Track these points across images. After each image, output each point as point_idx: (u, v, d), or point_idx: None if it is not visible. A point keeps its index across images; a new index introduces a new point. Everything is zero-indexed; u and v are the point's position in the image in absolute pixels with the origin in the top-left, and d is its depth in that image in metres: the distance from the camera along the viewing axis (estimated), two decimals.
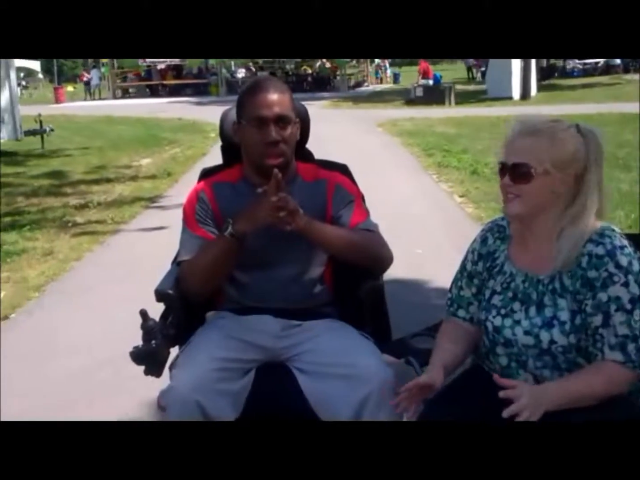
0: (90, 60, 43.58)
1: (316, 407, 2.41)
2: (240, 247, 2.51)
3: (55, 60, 48.09)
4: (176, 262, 2.74)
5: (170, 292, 2.63)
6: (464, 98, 27.06)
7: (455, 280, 2.41)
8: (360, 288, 2.68)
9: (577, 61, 38.49)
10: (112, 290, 5.91)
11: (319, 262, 2.73)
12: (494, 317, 2.21)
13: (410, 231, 7.23)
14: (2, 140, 15.64)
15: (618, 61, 36.75)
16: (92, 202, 9.68)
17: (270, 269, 2.65)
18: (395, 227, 6.04)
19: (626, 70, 36.01)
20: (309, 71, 41.13)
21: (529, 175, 2.08)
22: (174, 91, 39.31)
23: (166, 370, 2.57)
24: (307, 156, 2.88)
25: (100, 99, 41.28)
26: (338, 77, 40.29)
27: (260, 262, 2.64)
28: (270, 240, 2.57)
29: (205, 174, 2.90)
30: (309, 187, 2.70)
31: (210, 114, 18.02)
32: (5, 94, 16.16)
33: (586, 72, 37.84)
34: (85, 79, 43.90)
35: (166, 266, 2.86)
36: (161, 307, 2.68)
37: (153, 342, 2.48)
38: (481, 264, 2.32)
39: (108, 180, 11.66)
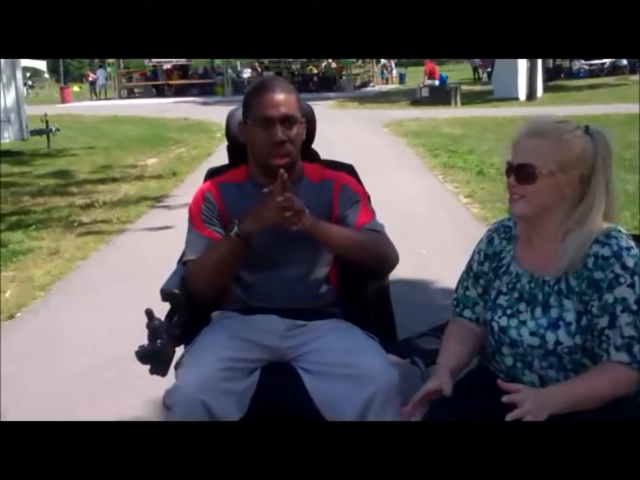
0: (96, 60, 43.65)
1: (321, 407, 2.41)
2: (246, 247, 2.51)
3: (61, 60, 48.09)
4: (182, 262, 2.74)
5: (176, 291, 2.63)
6: (470, 98, 27.02)
7: (461, 281, 2.41)
8: (365, 288, 2.68)
9: (583, 62, 38.41)
10: (117, 289, 5.92)
11: (325, 262, 2.73)
12: (499, 317, 2.20)
13: (416, 231, 7.23)
14: (8, 140, 15.65)
15: (624, 62, 36.66)
16: (98, 201, 9.69)
17: (276, 269, 2.65)
18: (401, 227, 6.04)
19: (632, 71, 35.86)
20: (315, 71, 41.15)
21: (533, 176, 2.07)
22: (180, 91, 39.36)
23: (171, 370, 2.57)
24: (313, 156, 2.88)
25: (106, 98, 41.34)
26: (344, 77, 40.31)
27: (266, 262, 2.64)
28: (276, 241, 2.57)
29: (211, 173, 2.90)
30: (315, 187, 2.70)
31: (216, 113, 18.10)
32: (12, 93, 16.18)
33: (592, 73, 37.74)
34: (90, 78, 43.94)
35: (172, 266, 2.86)
36: (167, 306, 2.69)
37: (159, 341, 2.48)
38: (487, 264, 2.32)
39: (114, 180, 11.67)
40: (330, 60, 38.23)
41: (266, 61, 39.93)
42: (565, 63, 39.86)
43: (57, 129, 16.84)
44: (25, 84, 29.44)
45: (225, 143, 2.98)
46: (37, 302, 5.73)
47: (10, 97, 16.05)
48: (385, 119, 20.57)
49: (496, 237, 2.33)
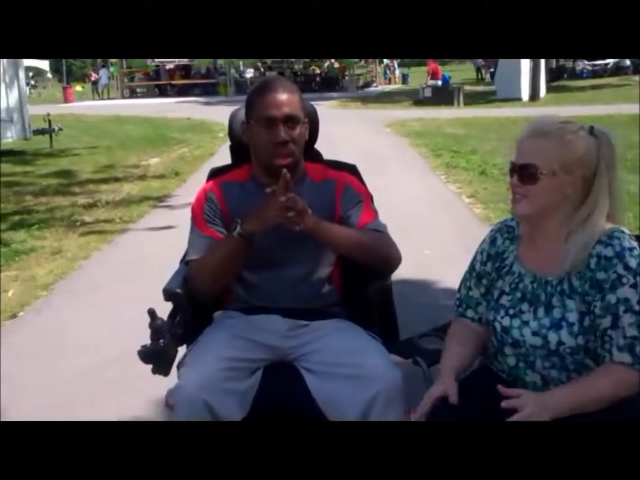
0: (99, 60, 43.65)
1: (323, 407, 2.41)
2: (249, 247, 2.51)
3: (64, 60, 48.11)
4: (184, 262, 2.74)
5: (179, 291, 2.63)
6: (473, 99, 27.00)
7: (464, 281, 2.41)
8: (368, 288, 2.68)
9: (586, 62, 38.35)
10: (120, 289, 5.92)
11: (328, 262, 2.73)
12: (502, 317, 2.20)
13: (418, 232, 7.22)
14: (11, 140, 15.64)
15: (628, 62, 36.58)
16: (101, 201, 9.69)
17: (279, 269, 2.65)
18: (403, 227, 6.03)
19: (636, 72, 35.74)
20: (318, 71, 41.11)
21: (535, 177, 2.07)
22: (183, 91, 39.34)
23: (174, 369, 2.58)
24: (315, 156, 2.88)
25: (108, 98, 41.35)
26: (346, 77, 40.30)
27: (268, 262, 2.64)
28: (279, 240, 2.57)
29: (214, 173, 2.90)
30: (318, 187, 2.70)
31: (219, 113, 18.07)
32: (14, 93, 16.15)
33: (595, 74, 37.69)
34: (93, 78, 43.95)
35: (174, 265, 2.86)
36: (169, 306, 2.69)
37: (161, 341, 2.48)
38: (490, 264, 2.32)
39: (116, 180, 11.67)
40: (333, 60, 38.21)
41: (269, 61, 39.91)
42: (569, 63, 39.80)
43: (60, 129, 16.84)
44: (27, 84, 29.47)
45: (228, 143, 2.98)
46: (40, 302, 5.73)
47: (12, 97, 16.01)
48: (387, 119, 20.56)
49: (499, 237, 2.33)
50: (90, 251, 7.20)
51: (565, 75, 37.94)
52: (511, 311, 2.19)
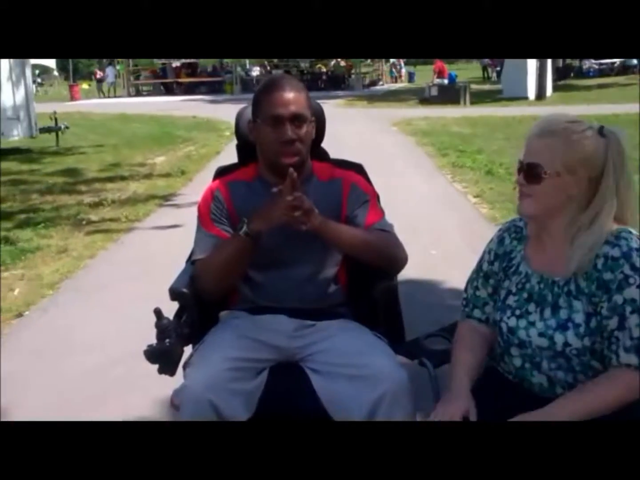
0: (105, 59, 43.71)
1: (329, 407, 2.41)
2: (255, 246, 2.51)
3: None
4: (191, 261, 2.74)
5: (185, 290, 2.63)
6: (479, 98, 26.99)
7: (471, 280, 2.40)
8: (374, 288, 2.67)
9: (593, 61, 38.35)
10: (126, 288, 5.92)
11: (334, 262, 2.72)
12: (508, 317, 2.20)
13: (424, 231, 7.22)
14: (17, 138, 15.68)
15: (635, 61, 36.52)
16: (107, 200, 9.71)
17: (285, 269, 2.64)
18: (409, 227, 6.04)
19: None
20: (324, 69, 41.13)
21: (540, 176, 2.06)
22: (189, 89, 39.43)
23: (180, 369, 2.57)
24: (322, 155, 2.87)
25: (115, 96, 41.41)
26: (353, 76, 40.35)
27: (274, 262, 2.63)
28: (285, 240, 2.56)
29: (221, 172, 2.90)
30: (324, 187, 2.69)
31: (225, 112, 18.11)
32: (21, 91, 16.17)
33: (602, 73, 37.69)
34: (98, 76, 43.99)
35: (180, 264, 2.86)
36: (175, 305, 2.69)
37: (167, 340, 2.48)
38: (497, 264, 2.31)
39: (122, 178, 11.71)
40: (339, 58, 38.22)
41: (275, 59, 39.93)
42: (575, 62, 39.81)
43: (66, 127, 16.90)
44: (34, 82, 29.47)
45: (234, 141, 2.97)
46: (46, 301, 5.74)
47: (19, 95, 16.03)
48: (394, 118, 20.56)
49: (507, 237, 2.32)
50: (96, 250, 7.21)
51: (572, 74, 37.97)
52: (517, 312, 2.19)
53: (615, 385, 2.01)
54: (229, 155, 3.09)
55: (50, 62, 43.50)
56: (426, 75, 37.69)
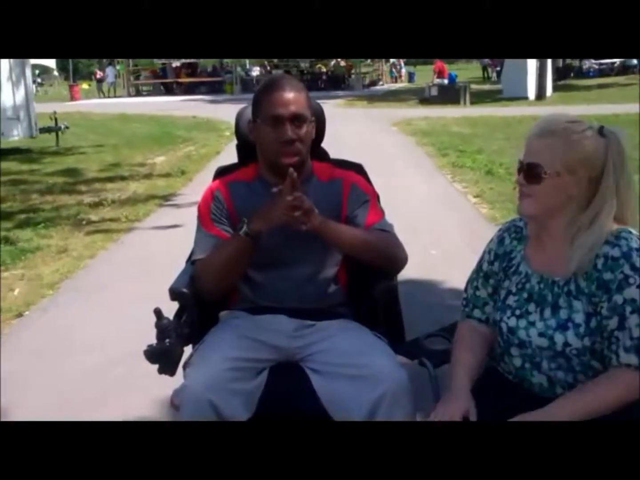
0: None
1: (329, 407, 2.41)
2: (255, 246, 2.51)
3: None
4: (191, 261, 2.74)
5: (185, 290, 2.63)
6: (479, 98, 26.99)
7: (471, 280, 2.40)
8: (374, 288, 2.67)
9: (593, 61, 38.35)
10: (126, 288, 5.92)
11: (334, 262, 2.72)
12: (508, 317, 2.20)
13: (424, 231, 7.22)
14: (17, 138, 15.69)
15: (635, 61, 36.51)
16: (107, 200, 9.71)
17: (285, 269, 2.64)
18: (409, 227, 6.03)
19: None
20: (324, 69, 41.13)
21: (540, 176, 2.06)
22: (189, 89, 39.43)
23: (180, 369, 2.57)
24: (322, 155, 2.87)
25: (115, 96, 41.41)
26: (353, 76, 40.35)
27: (274, 262, 2.63)
28: (285, 240, 2.56)
29: (221, 172, 2.90)
30: (324, 187, 2.69)
31: (225, 112, 18.12)
32: (21, 91, 16.17)
33: (602, 73, 37.69)
34: (98, 76, 43.98)
35: (180, 264, 2.86)
36: (175, 305, 2.68)
37: (167, 340, 2.48)
38: (497, 264, 2.31)
39: (122, 178, 11.71)
40: (339, 58, 38.22)
41: (275, 59, 39.93)
42: (575, 62, 39.81)
43: (66, 127, 16.90)
44: (34, 82, 29.48)
45: (234, 141, 2.97)
46: (46, 301, 5.74)
47: (19, 95, 16.04)
48: (394, 118, 20.56)
49: (507, 237, 2.32)
50: (96, 250, 7.21)
51: (572, 74, 37.97)
52: (517, 312, 2.19)
53: (615, 385, 2.01)
54: (229, 155, 3.09)
55: (50, 62, 43.49)
56: (426, 75, 37.68)
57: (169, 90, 40.75)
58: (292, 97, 2.55)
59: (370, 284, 2.68)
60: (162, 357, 2.51)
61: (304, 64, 41.70)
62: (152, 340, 2.50)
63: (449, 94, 25.79)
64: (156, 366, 2.53)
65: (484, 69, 44.64)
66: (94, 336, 4.89)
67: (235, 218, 2.61)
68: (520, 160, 2.13)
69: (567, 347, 2.06)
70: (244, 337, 2.55)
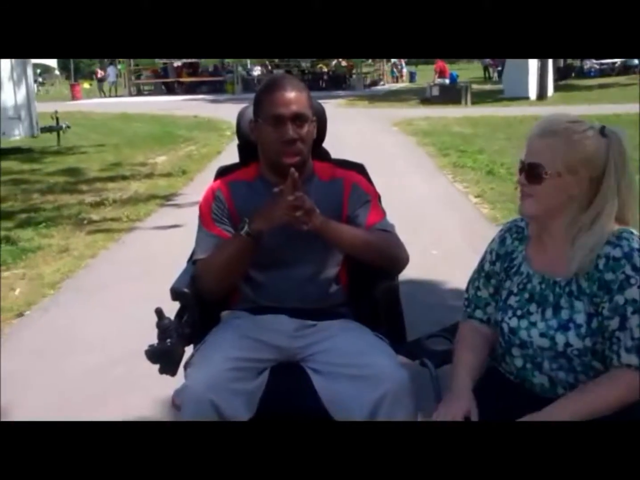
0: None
1: (330, 407, 2.41)
2: (256, 246, 2.51)
3: None
4: (192, 261, 2.74)
5: (186, 290, 2.63)
6: (481, 98, 26.99)
7: (472, 281, 2.40)
8: (375, 288, 2.67)
9: (594, 61, 38.33)
10: (127, 288, 5.92)
11: (335, 262, 2.72)
12: (509, 318, 2.19)
13: (425, 231, 7.22)
14: (18, 137, 15.70)
15: (636, 61, 36.48)
16: (108, 199, 9.71)
17: (286, 269, 2.64)
18: (410, 227, 6.03)
19: None
20: (325, 69, 41.15)
21: (541, 176, 2.06)
22: (190, 89, 39.44)
23: (181, 369, 2.57)
24: (323, 155, 2.87)
25: (116, 96, 41.41)
26: (354, 76, 40.35)
27: (276, 262, 2.63)
28: (286, 240, 2.56)
29: (222, 172, 2.90)
30: (325, 187, 2.69)
31: (226, 111, 18.11)
32: (22, 90, 16.18)
33: (603, 73, 37.67)
34: (99, 76, 43.99)
35: (182, 264, 2.86)
36: (176, 305, 2.68)
37: (168, 340, 2.48)
38: (499, 264, 2.31)
39: (123, 178, 11.71)
40: (340, 58, 38.22)
41: (276, 59, 39.93)
42: (576, 62, 39.79)
43: (68, 126, 16.90)
44: (35, 81, 29.50)
45: (235, 141, 2.97)
46: (47, 300, 5.74)
47: (20, 94, 16.04)
48: (395, 118, 20.56)
49: (508, 237, 2.32)
50: (97, 250, 7.21)
51: (573, 74, 37.95)
52: (519, 312, 2.18)
53: (616, 386, 2.00)
54: (230, 155, 3.09)
55: (52, 62, 43.53)
56: (427, 75, 37.72)
57: (170, 89, 40.75)
58: (293, 96, 2.55)
59: (371, 284, 2.68)
60: (163, 357, 2.51)
61: (305, 63, 41.71)
62: (153, 340, 2.50)
63: (450, 94, 25.79)
64: (157, 366, 2.53)
65: (485, 69, 44.65)
66: (95, 336, 4.89)
67: (237, 218, 2.61)
68: (522, 160, 2.13)
69: (568, 348, 2.06)
70: (245, 337, 2.55)
